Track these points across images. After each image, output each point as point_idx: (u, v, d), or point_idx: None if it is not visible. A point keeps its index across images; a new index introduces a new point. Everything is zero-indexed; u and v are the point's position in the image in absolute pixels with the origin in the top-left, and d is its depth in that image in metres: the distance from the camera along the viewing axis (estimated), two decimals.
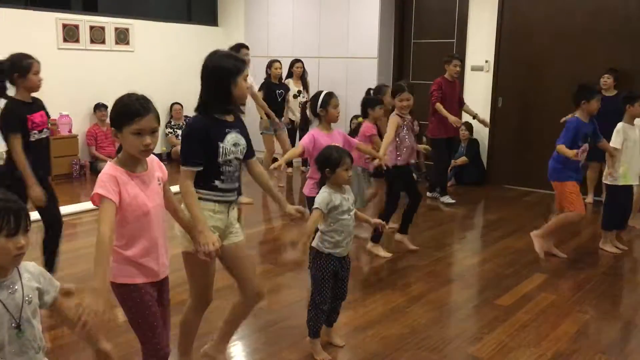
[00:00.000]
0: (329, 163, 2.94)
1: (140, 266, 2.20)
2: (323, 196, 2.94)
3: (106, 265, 2.03)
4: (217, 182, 2.57)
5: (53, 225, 3.91)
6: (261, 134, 6.89)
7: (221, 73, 2.54)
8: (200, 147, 2.51)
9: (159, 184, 2.25)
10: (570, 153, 4.33)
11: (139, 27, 8.49)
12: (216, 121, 2.56)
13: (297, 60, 7.77)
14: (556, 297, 3.99)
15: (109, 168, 2.12)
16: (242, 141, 2.63)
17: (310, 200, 3.46)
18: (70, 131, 7.67)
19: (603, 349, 3.27)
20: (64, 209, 5.82)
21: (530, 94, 7.30)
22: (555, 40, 7.06)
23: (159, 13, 9.15)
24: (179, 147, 10.33)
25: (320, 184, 3.02)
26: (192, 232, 2.49)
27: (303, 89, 7.74)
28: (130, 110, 2.08)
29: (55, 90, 7.56)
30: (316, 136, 3.83)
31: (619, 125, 4.79)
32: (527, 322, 3.58)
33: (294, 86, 7.65)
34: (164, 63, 8.70)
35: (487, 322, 3.58)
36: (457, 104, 6.54)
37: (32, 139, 3.63)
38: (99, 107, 7.93)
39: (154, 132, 2.11)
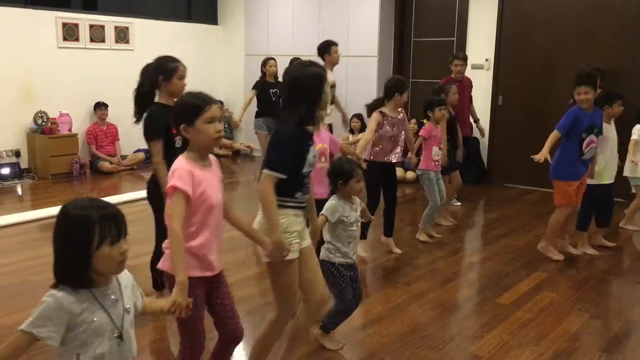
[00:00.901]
0: (341, 175, 2.97)
1: (200, 258, 2.27)
2: (332, 204, 2.97)
3: (183, 259, 2.14)
4: (297, 193, 2.56)
5: None
6: (255, 133, 6.94)
7: (310, 84, 2.53)
8: (291, 157, 2.49)
9: (219, 183, 2.34)
10: (546, 150, 4.28)
11: (139, 26, 8.48)
12: (305, 133, 2.56)
13: (296, 59, 7.73)
14: (556, 296, 3.98)
15: (183, 162, 2.21)
16: (315, 154, 2.66)
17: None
18: (70, 130, 7.66)
19: (603, 348, 3.27)
20: None
21: (530, 92, 7.30)
22: (555, 38, 7.05)
23: (159, 12, 9.14)
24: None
25: (330, 194, 3.08)
26: (255, 236, 2.49)
27: None
28: (200, 102, 2.23)
29: (55, 89, 7.58)
30: (329, 141, 3.74)
31: None
32: (527, 321, 3.58)
33: None
34: None
35: (487, 321, 3.58)
36: (468, 102, 6.44)
37: (176, 145, 3.24)
38: (99, 105, 7.93)
39: (220, 120, 2.27)
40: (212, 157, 2.34)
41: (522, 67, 7.31)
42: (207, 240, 2.26)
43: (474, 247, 5.25)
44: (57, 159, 7.43)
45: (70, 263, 1.62)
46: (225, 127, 9.55)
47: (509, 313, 3.69)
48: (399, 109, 4.54)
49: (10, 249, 4.80)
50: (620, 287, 4.32)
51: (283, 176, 2.45)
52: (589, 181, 4.65)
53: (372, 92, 7.63)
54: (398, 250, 4.79)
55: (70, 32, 7.76)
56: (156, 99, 3.42)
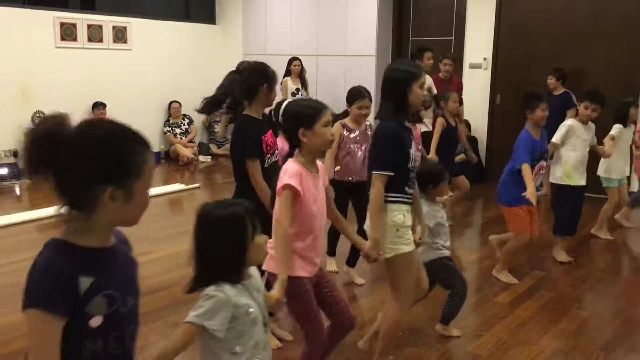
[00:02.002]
0: (431, 178, 3.26)
1: (305, 259, 2.37)
2: (427, 212, 3.16)
3: (289, 256, 2.27)
4: (406, 188, 2.67)
5: None
6: None
7: (397, 80, 2.67)
8: (394, 154, 2.61)
9: (323, 190, 2.46)
10: (530, 186, 3.82)
11: (136, 26, 8.48)
12: (404, 128, 2.68)
13: (295, 58, 7.76)
14: (554, 294, 3.99)
15: (294, 165, 2.33)
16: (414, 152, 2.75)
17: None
18: None
19: (602, 346, 3.28)
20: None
21: (528, 91, 7.29)
22: (553, 38, 7.06)
23: (157, 11, 9.13)
24: (177, 146, 10.23)
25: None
26: (352, 237, 2.67)
27: (302, 87, 7.73)
28: (316, 108, 2.37)
29: (52, 89, 7.57)
30: (283, 146, 3.48)
31: (568, 121, 4.67)
32: (525, 320, 3.59)
33: (292, 84, 7.64)
34: (162, 61, 8.68)
35: (486, 320, 3.58)
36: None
37: (266, 164, 3.02)
38: (97, 105, 7.92)
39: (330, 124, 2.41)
40: (319, 163, 2.46)
41: (520, 67, 7.32)
42: (311, 243, 2.37)
43: (472, 246, 5.25)
44: None
45: (229, 260, 1.74)
46: (223, 129, 9.56)
47: (508, 312, 3.69)
48: (363, 121, 4.03)
49: (9, 249, 4.80)
50: (618, 285, 4.33)
51: (391, 173, 2.58)
52: (560, 181, 4.52)
53: (370, 92, 7.62)
54: (362, 281, 4.14)
55: (68, 32, 7.75)
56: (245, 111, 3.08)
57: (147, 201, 1.35)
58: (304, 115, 2.35)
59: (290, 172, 2.29)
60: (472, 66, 7.60)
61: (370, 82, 7.94)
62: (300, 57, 7.84)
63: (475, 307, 3.81)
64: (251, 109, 3.04)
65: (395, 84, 2.66)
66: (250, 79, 3.00)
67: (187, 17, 9.48)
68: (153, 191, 6.07)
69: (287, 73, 7.70)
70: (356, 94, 3.98)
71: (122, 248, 1.41)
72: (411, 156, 2.65)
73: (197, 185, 7.00)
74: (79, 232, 1.29)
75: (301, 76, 7.75)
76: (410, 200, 2.71)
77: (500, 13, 7.39)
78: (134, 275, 1.42)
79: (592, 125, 4.62)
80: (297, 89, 7.67)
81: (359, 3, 8.12)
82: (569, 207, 4.59)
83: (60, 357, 1.23)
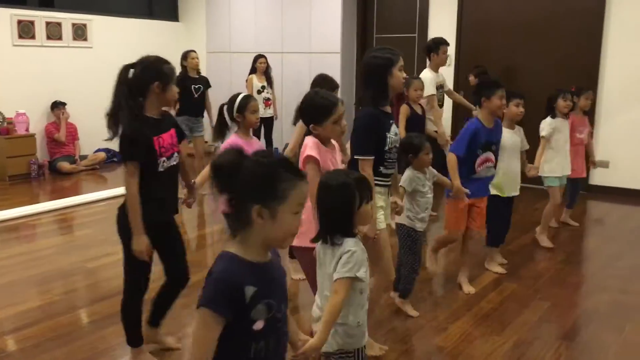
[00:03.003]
0: (411, 149, 3.41)
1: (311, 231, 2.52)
2: (407, 175, 3.43)
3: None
4: (381, 169, 2.85)
5: (176, 279, 2.99)
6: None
7: (378, 66, 2.81)
8: (371, 139, 2.79)
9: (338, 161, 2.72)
10: (455, 181, 3.60)
11: (97, 23, 8.32)
12: (385, 114, 2.86)
13: (260, 56, 7.71)
14: (517, 286, 4.08)
15: (312, 139, 2.59)
16: (397, 130, 2.94)
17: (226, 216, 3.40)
18: (27, 130, 7.47)
19: (563, 336, 3.36)
20: (22, 210, 5.70)
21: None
22: (515, 35, 7.18)
23: (119, 8, 8.97)
24: None
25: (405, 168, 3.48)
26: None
27: (267, 84, 7.70)
28: (329, 104, 2.58)
29: (11, 88, 7.38)
30: (235, 144, 3.33)
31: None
32: (489, 312, 3.66)
33: (257, 82, 7.60)
34: (123, 59, 8.27)
35: (451, 313, 3.64)
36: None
37: (160, 168, 2.73)
38: (57, 105, 7.74)
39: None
40: (333, 142, 2.70)
41: (483, 64, 7.39)
42: None
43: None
44: (14, 160, 7.23)
45: (340, 218, 2.11)
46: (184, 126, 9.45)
47: (473, 304, 3.76)
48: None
49: None
50: (578, 276, 4.44)
51: (371, 157, 2.78)
52: (491, 192, 4.00)
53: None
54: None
55: (25, 30, 7.55)
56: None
57: (293, 226, 1.51)
58: (317, 111, 2.59)
59: (309, 145, 2.56)
60: None
61: (336, 79, 7.91)
62: (265, 55, 7.80)
63: (441, 300, 3.86)
64: (145, 108, 2.74)
65: (377, 70, 2.81)
66: (141, 76, 2.72)
67: (149, 14, 9.34)
68: (115, 192, 5.96)
69: (253, 70, 7.64)
70: (330, 84, 3.98)
71: (276, 261, 1.61)
72: (388, 140, 2.81)
73: None
74: (243, 247, 1.50)
75: (267, 73, 7.70)
76: (385, 182, 2.89)
77: (462, 10, 7.49)
78: (285, 285, 1.64)
79: (519, 128, 4.26)
80: (263, 87, 7.63)
81: (323, 0, 8.13)
82: (504, 217, 4.28)
83: (232, 357, 1.50)
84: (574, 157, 5.01)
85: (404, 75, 2.91)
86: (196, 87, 6.50)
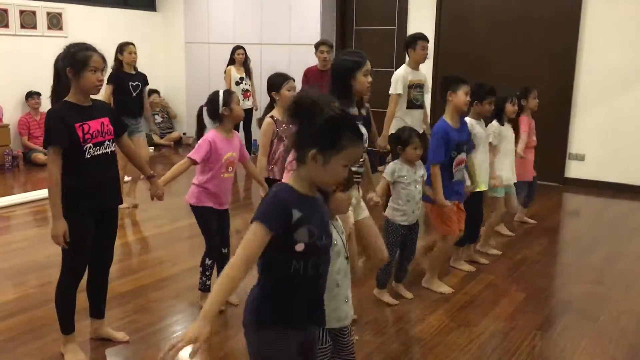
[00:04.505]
0: (399, 142, 3.45)
1: None
2: (390, 166, 3.49)
3: None
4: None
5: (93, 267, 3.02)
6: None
7: (344, 69, 2.88)
8: None
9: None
10: (439, 195, 3.53)
11: (72, 12, 8.18)
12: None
13: (238, 47, 7.66)
14: (494, 278, 4.12)
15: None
16: (365, 132, 2.78)
17: (196, 210, 3.40)
18: (0, 120, 7.33)
19: (538, 326, 3.41)
20: None
21: (470, 81, 7.45)
22: (493, 28, 7.24)
23: None
24: None
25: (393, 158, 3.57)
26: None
27: (246, 75, 7.65)
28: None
29: None
30: (214, 141, 3.30)
31: (467, 119, 3.93)
32: (466, 303, 3.69)
33: (236, 73, 7.56)
34: (99, 49, 8.38)
35: (429, 304, 3.67)
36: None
37: (87, 155, 2.73)
38: (31, 95, 7.62)
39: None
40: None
41: (462, 56, 7.46)
42: None
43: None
44: None
45: None
46: (163, 118, 9.37)
47: (450, 296, 3.79)
48: None
49: None
50: (553, 267, 4.51)
51: None
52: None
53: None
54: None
55: None
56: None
57: (339, 175, 1.73)
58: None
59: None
60: None
61: None
62: (244, 46, 7.75)
63: (419, 291, 3.88)
64: (70, 94, 2.75)
65: (341, 73, 2.87)
66: (60, 61, 2.75)
67: (125, 3, 9.19)
68: None
69: (231, 62, 7.60)
70: (282, 78, 3.66)
71: (322, 202, 1.86)
72: None
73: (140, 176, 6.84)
74: (296, 181, 1.76)
75: (245, 65, 7.66)
76: (356, 178, 2.89)
77: (441, 2, 7.51)
78: (327, 221, 1.86)
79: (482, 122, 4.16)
80: (241, 78, 7.59)
81: None
82: (469, 214, 3.95)
83: (275, 271, 1.77)
84: (530, 159, 5.00)
85: (369, 79, 2.91)
86: (134, 84, 5.58)
